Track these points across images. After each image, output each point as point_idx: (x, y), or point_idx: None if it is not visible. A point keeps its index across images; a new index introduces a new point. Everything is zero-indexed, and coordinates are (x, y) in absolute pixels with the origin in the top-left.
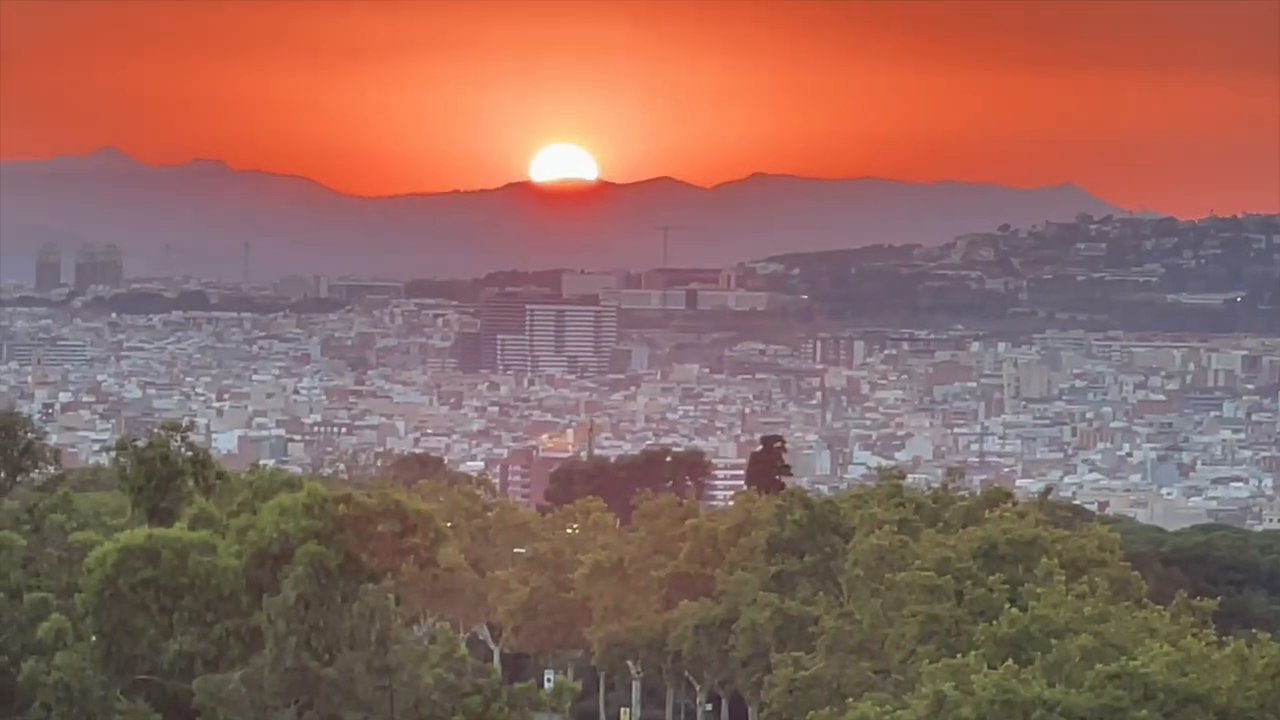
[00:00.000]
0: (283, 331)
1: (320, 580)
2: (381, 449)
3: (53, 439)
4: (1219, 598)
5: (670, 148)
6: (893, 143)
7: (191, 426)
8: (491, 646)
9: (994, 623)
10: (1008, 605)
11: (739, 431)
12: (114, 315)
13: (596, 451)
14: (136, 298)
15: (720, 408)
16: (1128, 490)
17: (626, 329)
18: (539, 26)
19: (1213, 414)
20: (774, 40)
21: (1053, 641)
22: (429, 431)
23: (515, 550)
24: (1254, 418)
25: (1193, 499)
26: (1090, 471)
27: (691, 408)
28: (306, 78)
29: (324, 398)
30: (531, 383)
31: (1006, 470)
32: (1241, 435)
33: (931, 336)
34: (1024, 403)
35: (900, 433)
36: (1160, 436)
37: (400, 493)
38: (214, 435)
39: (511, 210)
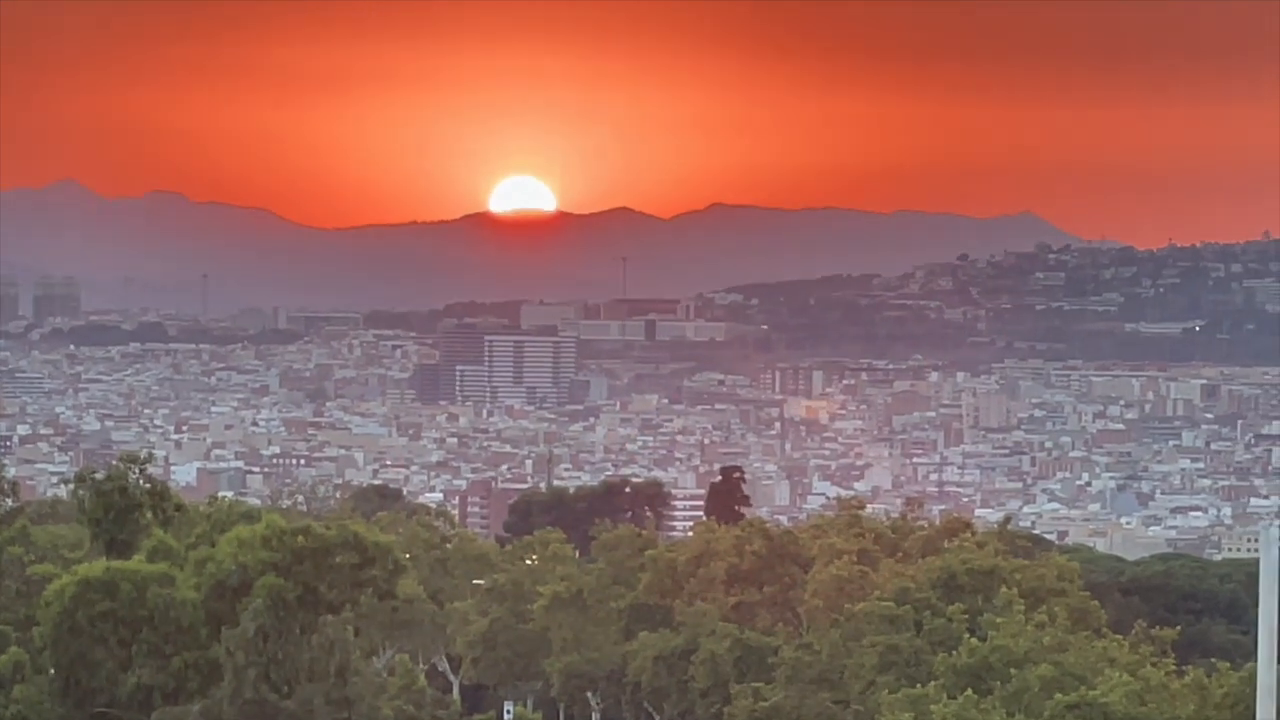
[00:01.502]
0: (241, 363)
1: (279, 612)
2: (340, 480)
3: (10, 471)
4: (1178, 627)
5: (629, 178)
6: (851, 173)
7: (150, 459)
8: (451, 678)
9: (953, 653)
10: (967, 635)
11: (698, 462)
12: (72, 347)
13: (555, 482)
14: (94, 329)
15: (679, 438)
16: (1087, 520)
17: (585, 359)
18: (496, 58)
19: (1171, 443)
20: (733, 71)
21: (1012, 671)
22: (388, 463)
23: (474, 581)
24: (1213, 447)
25: (1152, 528)
26: (1049, 501)
27: (650, 438)
28: (265, 110)
29: (282, 429)
30: (490, 414)
31: (965, 500)
32: (1200, 464)
33: (890, 366)
34: (983, 432)
35: (859, 463)
36: (1119, 466)
37: (359, 525)
38: (172, 467)
39: (470, 241)
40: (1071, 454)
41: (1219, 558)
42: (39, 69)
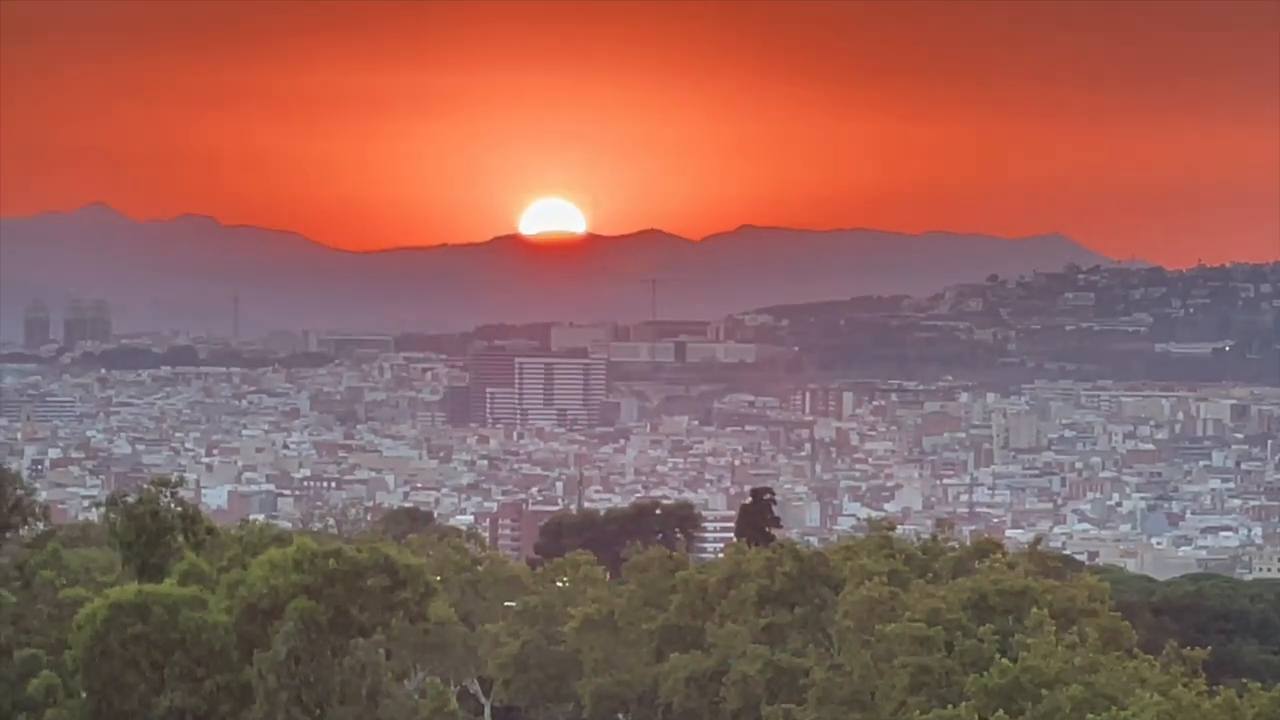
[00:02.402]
0: (272, 386)
1: (310, 635)
2: (371, 503)
3: (42, 495)
4: (1209, 647)
5: (659, 200)
6: (881, 194)
7: (181, 482)
8: (482, 700)
9: (984, 673)
10: (998, 656)
11: (728, 483)
12: (103, 371)
13: (586, 504)
14: (125, 353)
15: (709, 460)
16: (1117, 540)
17: (615, 381)
18: (526, 82)
19: (1202, 463)
20: (763, 92)
21: (1043, 692)
22: (418, 485)
23: (505, 603)
24: (1243, 466)
25: (1182, 548)
26: (1080, 521)
27: (681, 460)
28: (296, 133)
29: (313, 452)
30: (521, 436)
31: (996, 521)
32: (1231, 484)
33: (920, 387)
34: (1013, 453)
35: (890, 484)
36: (1149, 486)
37: (390, 547)
38: (203, 490)
39: (500, 263)
40: (1102, 474)
41: (1250, 578)
42: (69, 94)
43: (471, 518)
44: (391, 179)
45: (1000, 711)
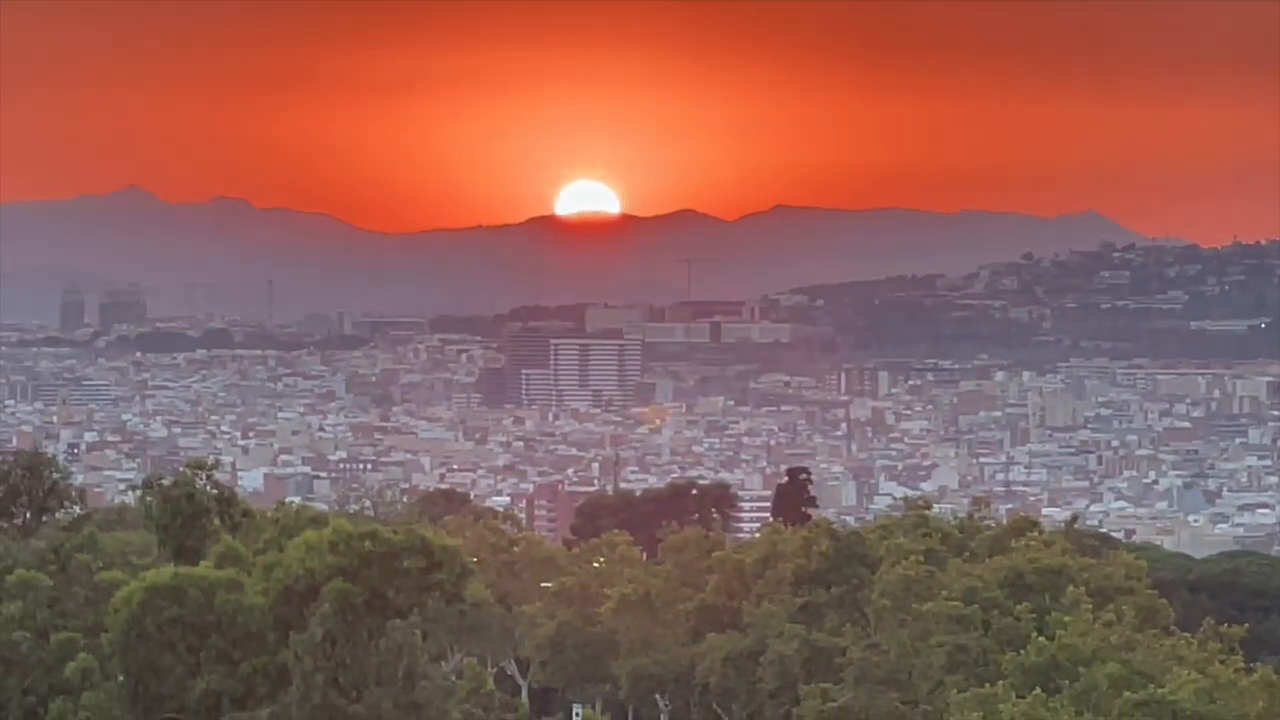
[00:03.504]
0: (307, 369)
1: (347, 617)
2: (407, 485)
3: (78, 479)
4: (1246, 624)
5: (692, 180)
6: (915, 173)
7: (217, 464)
8: (519, 681)
9: (1021, 652)
10: (1035, 634)
11: (764, 463)
12: (138, 354)
13: (622, 485)
14: (160, 336)
15: (745, 440)
16: (1154, 518)
17: (650, 362)
18: (560, 63)
19: (1238, 440)
20: (795, 72)
21: (1080, 670)
22: (454, 467)
23: (542, 584)
24: (1279, 444)
25: (1219, 526)
26: (1116, 499)
27: (716, 440)
28: (329, 115)
29: (349, 434)
30: (556, 417)
31: (1032, 499)
32: (1267, 462)
33: (956, 366)
34: (1049, 431)
35: (925, 463)
36: (1186, 464)
37: (426, 528)
38: (239, 473)
39: (534, 245)
40: (1138, 452)
41: None
42: (103, 77)
43: (508, 499)
44: (426, 161)
45: (1037, 690)
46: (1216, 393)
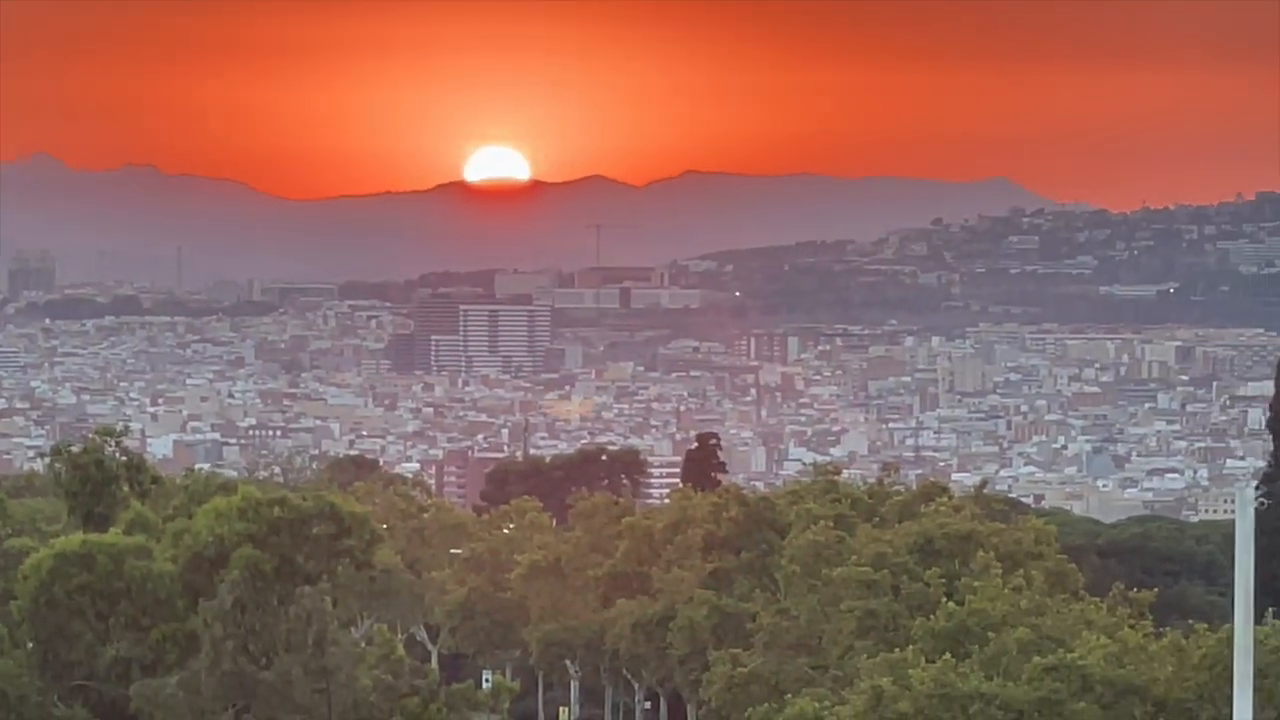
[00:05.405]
0: (216, 335)
1: (256, 584)
2: (316, 451)
3: None
4: (1156, 589)
5: (602, 146)
6: (824, 139)
7: (126, 431)
8: (429, 647)
9: (931, 617)
10: (944, 599)
11: (674, 429)
12: (47, 321)
13: (532, 451)
14: (69, 303)
15: (655, 406)
16: (1063, 483)
17: (560, 328)
18: (469, 27)
19: (1147, 406)
20: (705, 39)
21: (990, 635)
22: (364, 433)
23: (452, 551)
24: (1188, 409)
25: (1128, 491)
26: (1025, 464)
27: (626, 406)
28: (237, 82)
29: (258, 401)
30: (466, 383)
31: (942, 464)
32: (1176, 427)
33: (865, 332)
34: (958, 396)
35: (835, 428)
36: (1095, 429)
37: (335, 495)
38: (148, 440)
39: (444, 211)
40: (1047, 417)
41: (1195, 519)
42: (11, 42)
43: (417, 465)
44: (334, 128)
45: (947, 655)
46: (1125, 358)
